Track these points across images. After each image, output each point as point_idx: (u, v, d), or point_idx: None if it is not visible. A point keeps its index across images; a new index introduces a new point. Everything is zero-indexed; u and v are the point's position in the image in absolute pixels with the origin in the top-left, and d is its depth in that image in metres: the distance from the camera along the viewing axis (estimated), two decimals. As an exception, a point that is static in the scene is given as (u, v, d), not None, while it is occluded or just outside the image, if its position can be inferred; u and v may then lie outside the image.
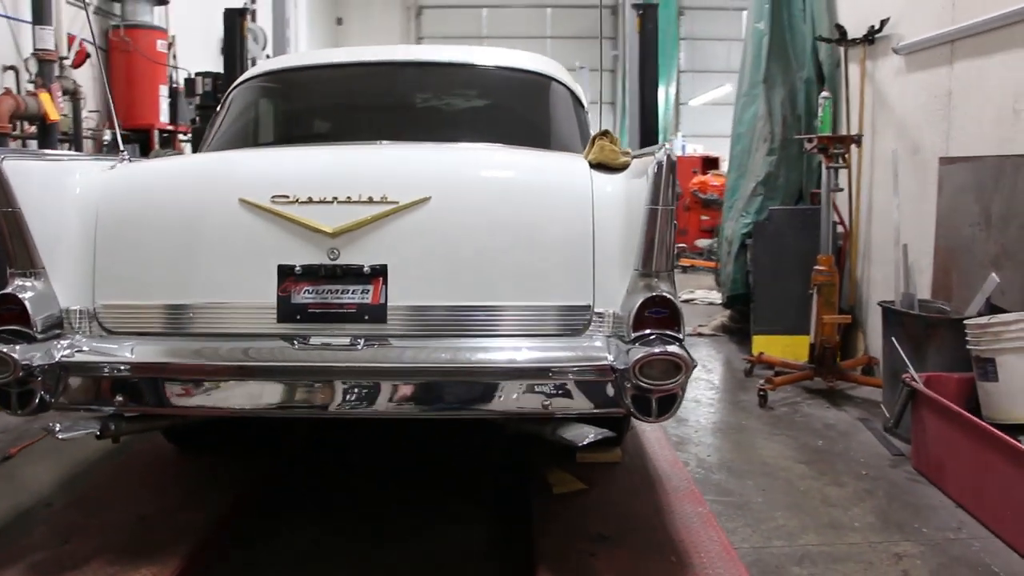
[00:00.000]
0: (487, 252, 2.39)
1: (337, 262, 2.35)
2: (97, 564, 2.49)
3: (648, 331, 2.25)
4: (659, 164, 2.20)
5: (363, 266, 2.34)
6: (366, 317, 2.35)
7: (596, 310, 2.39)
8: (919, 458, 3.52)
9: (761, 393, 4.54)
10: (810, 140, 4.67)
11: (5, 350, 2.19)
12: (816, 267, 4.63)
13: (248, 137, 3.38)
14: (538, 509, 2.90)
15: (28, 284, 2.34)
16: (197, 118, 5.25)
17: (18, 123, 4.95)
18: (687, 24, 15.14)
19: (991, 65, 3.84)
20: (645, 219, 2.26)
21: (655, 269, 2.29)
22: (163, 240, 2.42)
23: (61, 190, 2.45)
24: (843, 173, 4.97)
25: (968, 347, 3.39)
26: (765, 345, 5.20)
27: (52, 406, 2.33)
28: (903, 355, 3.70)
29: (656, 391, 2.21)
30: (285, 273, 2.35)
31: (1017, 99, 3.64)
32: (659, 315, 2.26)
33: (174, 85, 7.10)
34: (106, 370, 2.30)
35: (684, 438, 4.03)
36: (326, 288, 2.35)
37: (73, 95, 5.53)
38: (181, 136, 7.31)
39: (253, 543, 2.89)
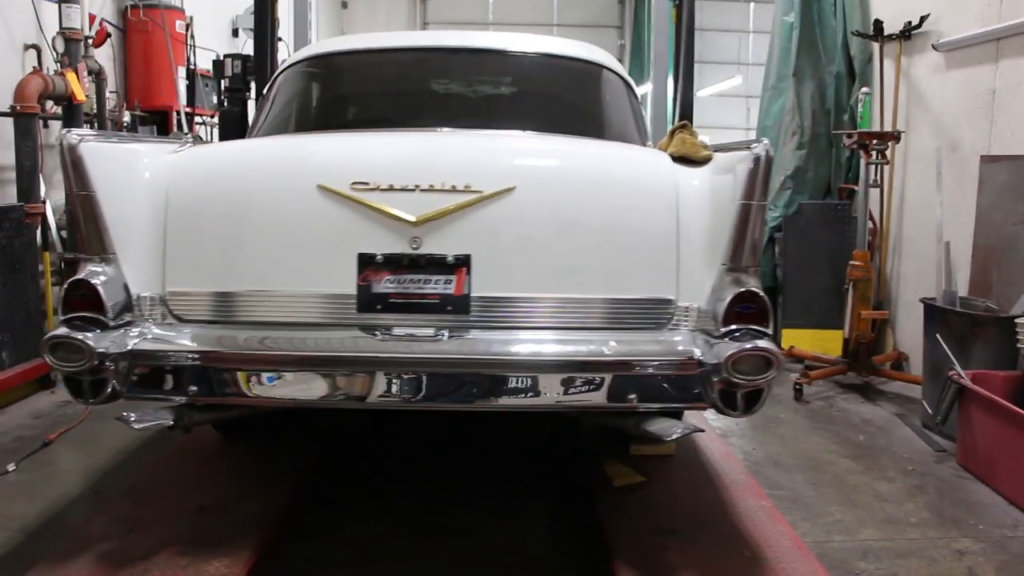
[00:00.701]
0: (570, 244, 2.36)
1: (419, 251, 2.31)
2: (167, 555, 2.45)
3: (737, 326, 2.23)
4: (756, 159, 2.18)
5: (447, 256, 2.31)
6: (449, 308, 2.31)
7: (679, 304, 2.37)
8: (966, 455, 3.54)
9: (797, 387, 4.55)
10: (849, 136, 4.66)
11: (80, 337, 2.14)
12: (852, 262, 4.64)
13: (305, 121, 3.32)
14: (603, 503, 2.88)
15: (100, 270, 2.27)
16: (226, 100, 5.17)
17: (43, 103, 4.85)
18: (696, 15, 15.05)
19: (1040, 64, 3.85)
20: (737, 214, 2.24)
21: (744, 264, 2.28)
22: (237, 226, 2.37)
23: (131, 173, 2.39)
24: (876, 169, 4.96)
25: (1020, 346, 3.40)
26: (795, 339, 5.21)
27: (122, 395, 2.28)
28: (948, 352, 3.70)
29: (746, 386, 2.20)
30: (366, 262, 2.31)
31: (1068, 98, 3.64)
32: (748, 310, 2.24)
33: (191, 67, 7.03)
34: (183, 359, 2.25)
35: (726, 431, 4.03)
36: (408, 278, 2.31)
37: (97, 75, 5.43)
38: (197, 119, 7.24)
39: (317, 535, 2.86)
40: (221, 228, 2.37)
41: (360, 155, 2.48)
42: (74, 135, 2.21)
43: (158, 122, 6.60)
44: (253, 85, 5.16)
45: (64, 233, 4.74)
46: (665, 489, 3.03)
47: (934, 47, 4.67)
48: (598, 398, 2.26)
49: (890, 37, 5.08)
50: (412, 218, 2.30)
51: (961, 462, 3.58)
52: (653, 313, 2.37)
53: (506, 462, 3.58)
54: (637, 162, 2.56)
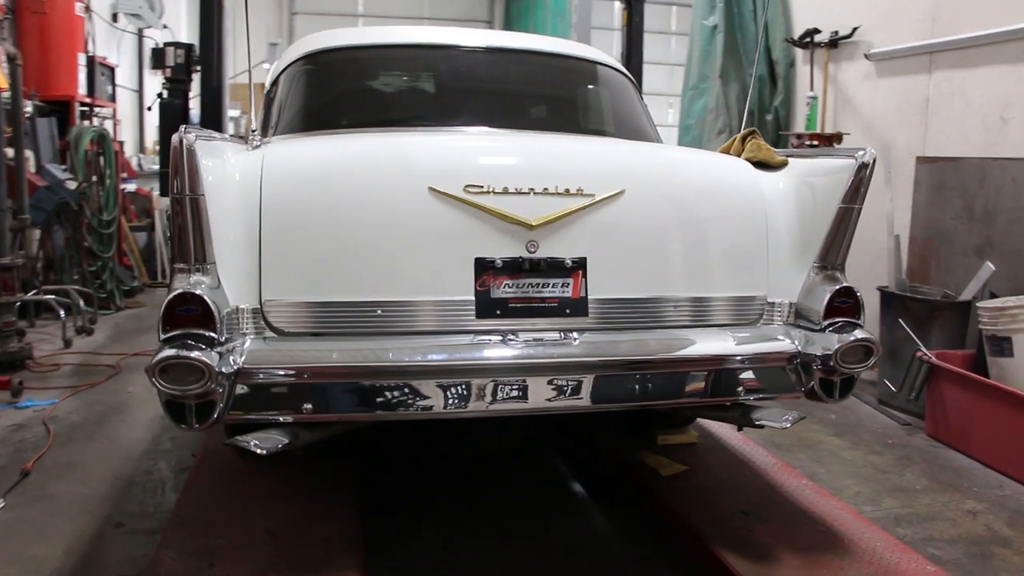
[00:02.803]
0: (675, 245, 2.45)
1: (536, 255, 2.31)
2: (268, 587, 2.30)
3: (837, 319, 2.40)
4: (863, 167, 2.35)
5: (564, 259, 2.32)
6: (567, 311, 2.33)
7: (769, 300, 2.52)
8: (936, 426, 3.95)
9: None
10: (799, 137, 5.02)
11: (201, 357, 1.97)
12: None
13: (336, 118, 3.16)
14: (662, 492, 2.99)
15: (204, 280, 2.10)
16: (166, 92, 4.78)
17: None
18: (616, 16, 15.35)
19: (975, 77, 4.33)
20: (836, 216, 2.41)
21: (838, 262, 2.46)
22: (341, 231, 2.25)
23: (225, 174, 2.21)
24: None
25: (981, 327, 3.84)
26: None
27: (224, 418, 2.11)
28: (912, 335, 4.11)
29: (846, 375, 2.37)
30: (484, 266, 2.28)
31: (1005, 108, 4.14)
32: (845, 304, 2.42)
33: (91, 54, 6.42)
34: (300, 376, 2.12)
35: (714, 418, 4.25)
36: (527, 282, 2.31)
37: (12, 61, 4.86)
38: (100, 110, 6.63)
39: (390, 550, 2.78)
40: (323, 234, 2.24)
41: (469, 157, 2.44)
42: (191, 133, 2.03)
43: (59, 114, 6.00)
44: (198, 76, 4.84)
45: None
46: (711, 475, 3.18)
47: (867, 56, 5.13)
48: (714, 391, 2.37)
49: (818, 45, 5.51)
50: (533, 221, 2.29)
51: (931, 433, 3.99)
52: (745, 309, 2.51)
53: (536, 463, 3.61)
54: (728, 167, 2.67)
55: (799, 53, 5.95)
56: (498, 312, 2.28)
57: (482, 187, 2.28)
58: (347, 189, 2.29)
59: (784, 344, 2.40)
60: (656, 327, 2.41)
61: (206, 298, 2.04)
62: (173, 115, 4.83)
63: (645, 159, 2.67)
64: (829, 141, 5.02)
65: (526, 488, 3.34)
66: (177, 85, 4.73)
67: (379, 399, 2.15)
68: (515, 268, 2.29)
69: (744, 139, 2.78)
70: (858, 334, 2.37)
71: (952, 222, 4.46)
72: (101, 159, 6.25)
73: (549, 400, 2.22)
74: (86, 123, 6.28)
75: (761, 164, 2.67)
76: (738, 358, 2.36)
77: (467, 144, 2.62)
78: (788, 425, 2.41)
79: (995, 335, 3.77)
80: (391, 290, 2.24)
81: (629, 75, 3.59)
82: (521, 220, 2.28)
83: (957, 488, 3.41)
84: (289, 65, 3.26)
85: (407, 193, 2.28)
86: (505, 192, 2.29)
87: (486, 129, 2.90)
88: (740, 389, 2.40)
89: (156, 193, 7.84)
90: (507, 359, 2.18)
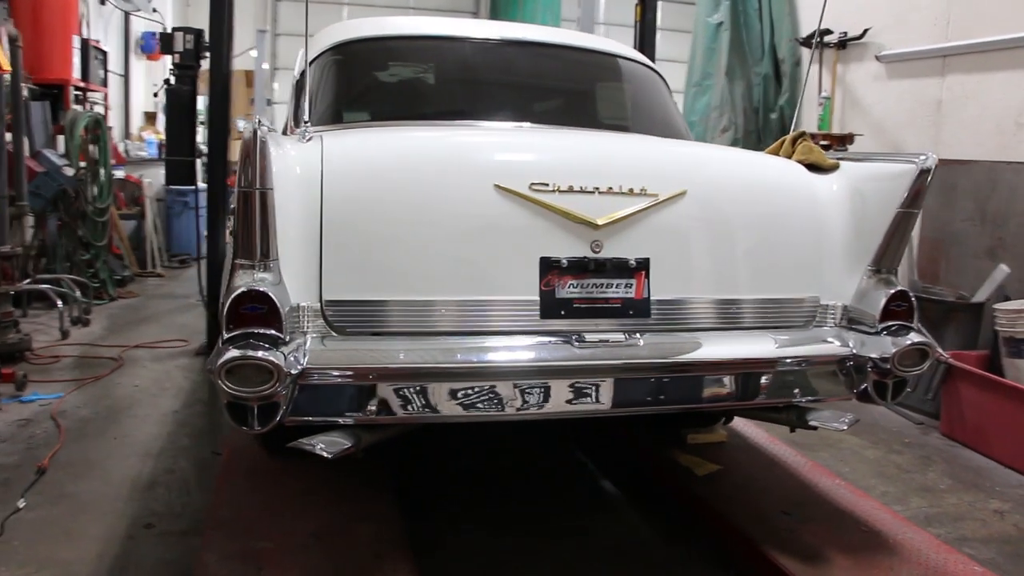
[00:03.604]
0: (732, 246, 2.44)
1: (600, 255, 2.28)
2: (320, 590, 2.26)
3: (893, 323, 2.41)
4: (924, 172, 2.36)
5: (628, 259, 2.30)
6: (631, 312, 2.31)
7: (823, 302, 2.52)
8: (951, 426, 4.00)
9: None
10: (813, 137, 5.02)
11: (271, 358, 1.91)
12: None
13: (379, 109, 3.09)
14: (700, 492, 2.99)
15: (267, 278, 2.03)
16: (173, 78, 4.65)
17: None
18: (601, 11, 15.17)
19: (990, 81, 4.39)
20: (895, 221, 2.42)
21: (893, 266, 2.47)
22: (403, 228, 2.19)
23: (286, 168, 2.14)
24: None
25: (996, 328, 3.90)
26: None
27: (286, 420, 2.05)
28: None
29: (901, 377, 2.39)
30: (549, 266, 2.24)
31: (1020, 114, 4.20)
32: (900, 308, 2.43)
33: (85, 37, 6.23)
34: (368, 376, 2.06)
35: (732, 416, 4.27)
36: (591, 282, 2.28)
37: (13, 43, 4.69)
38: (92, 95, 6.44)
39: (430, 551, 2.73)
40: (385, 230, 2.18)
41: (534, 154, 2.40)
42: (263, 125, 1.96)
43: (52, 98, 5.82)
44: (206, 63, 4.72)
45: None
46: (744, 474, 3.19)
47: (878, 58, 5.17)
48: (772, 393, 2.37)
49: (827, 45, 5.54)
50: (599, 221, 2.26)
51: (946, 432, 4.04)
52: (801, 311, 2.51)
53: (564, 462, 3.59)
54: (783, 169, 2.66)
55: (805, 53, 5.98)
56: (562, 312, 2.25)
57: (547, 185, 2.24)
58: (411, 185, 2.23)
59: (839, 347, 2.41)
60: (714, 328, 2.40)
61: (272, 296, 1.98)
62: (181, 102, 4.72)
63: (705, 159, 2.66)
64: (842, 141, 5.05)
65: (558, 487, 3.32)
66: (186, 71, 4.61)
67: (449, 401, 2.11)
68: (580, 268, 2.26)
69: (794, 141, 2.78)
70: (914, 338, 2.38)
71: (963, 224, 4.52)
72: (92, 146, 6.08)
73: (619, 401, 2.21)
74: (79, 108, 6.10)
75: (813, 166, 2.67)
76: (796, 360, 2.37)
77: (531, 141, 2.58)
78: (846, 427, 2.42)
79: (1012, 337, 3.83)
80: (454, 289, 2.20)
81: (661, 74, 3.57)
82: (587, 219, 2.25)
83: (980, 488, 3.46)
84: (322, 53, 3.18)
85: (472, 190, 2.23)
86: (570, 191, 2.26)
87: (542, 126, 2.86)
88: (796, 391, 2.40)
89: (147, 180, 7.67)
90: (580, 360, 2.16)
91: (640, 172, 2.36)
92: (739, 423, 3.80)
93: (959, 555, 2.60)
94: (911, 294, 2.46)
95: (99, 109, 6.69)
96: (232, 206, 2.17)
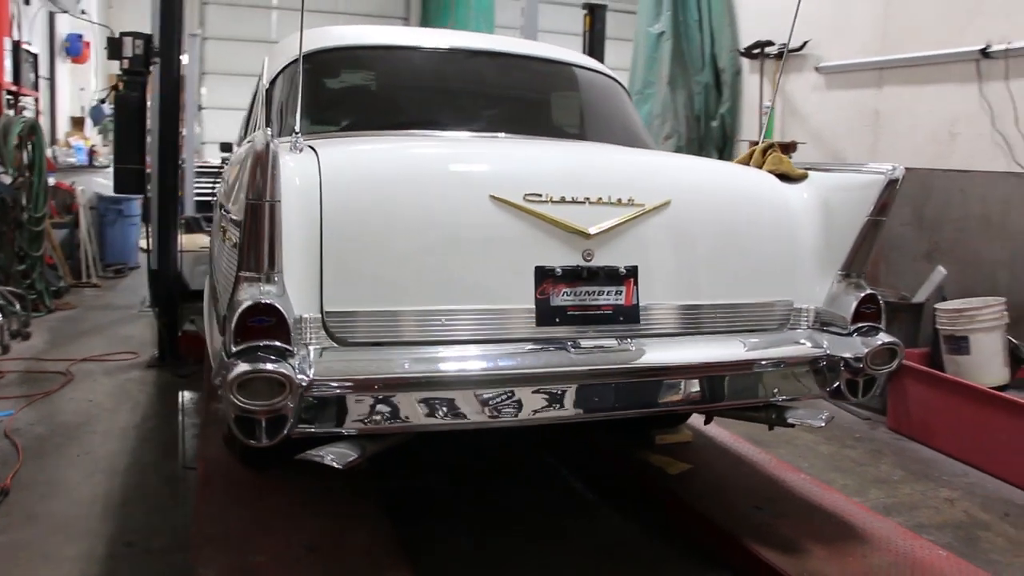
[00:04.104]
0: (713, 253, 2.54)
1: (592, 264, 2.35)
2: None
3: (863, 324, 2.56)
4: (891, 182, 2.51)
5: (619, 267, 2.37)
6: (621, 318, 2.38)
7: (796, 305, 2.65)
8: (897, 421, 4.23)
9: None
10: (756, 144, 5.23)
11: (284, 371, 1.91)
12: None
13: (348, 119, 3.08)
14: (676, 491, 3.09)
15: (271, 290, 2.02)
16: (122, 84, 4.51)
17: None
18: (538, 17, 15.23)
19: (925, 93, 4.65)
20: (864, 228, 2.56)
21: (861, 271, 2.61)
22: (403, 239, 2.21)
23: (288, 179, 2.12)
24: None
25: (939, 327, 4.14)
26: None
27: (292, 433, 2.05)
28: (872, 334, 4.37)
29: (872, 375, 2.53)
30: (544, 275, 2.30)
31: (953, 124, 4.47)
32: (870, 310, 2.58)
33: (15, 39, 5.96)
34: (374, 387, 2.08)
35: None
36: (584, 290, 2.34)
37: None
38: (25, 99, 6.16)
39: (419, 555, 2.74)
40: (386, 241, 2.20)
41: (527, 165, 2.44)
42: (272, 137, 1.95)
43: (-17, 102, 5.57)
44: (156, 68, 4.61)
45: None
46: (715, 472, 3.31)
47: (817, 69, 5.41)
48: (754, 393, 2.49)
49: (768, 56, 5.77)
50: (591, 230, 2.33)
51: (892, 427, 4.26)
52: (776, 315, 2.63)
53: (536, 467, 3.64)
54: (757, 179, 2.77)
55: (746, 63, 6.20)
56: (557, 320, 2.31)
57: (540, 196, 2.30)
58: (410, 196, 2.24)
59: (814, 348, 2.54)
60: (698, 332, 2.50)
61: (280, 308, 1.98)
62: (130, 109, 4.59)
63: (687, 170, 2.76)
64: (785, 149, 5.25)
65: (535, 490, 3.38)
66: (135, 77, 4.48)
67: (457, 409, 2.14)
68: (574, 276, 2.32)
69: (764, 152, 2.90)
70: (884, 338, 2.53)
71: (901, 229, 4.77)
72: (25, 153, 5.85)
73: (616, 404, 2.28)
74: (11, 113, 5.85)
75: (783, 176, 2.80)
76: (778, 361, 2.48)
77: (524, 153, 2.63)
78: (823, 424, 2.55)
79: (953, 335, 4.07)
80: (453, 298, 2.23)
81: (624, 85, 3.68)
82: (579, 229, 2.31)
83: (929, 478, 3.67)
84: (291, 63, 3.15)
85: (469, 201, 2.27)
86: (562, 201, 2.32)
87: (518, 137, 2.92)
88: (776, 390, 2.52)
89: (80, 188, 7.39)
90: (584, 366, 2.22)
91: (627, 183, 2.43)
92: (700, 422, 3.93)
93: (924, 540, 2.77)
94: (880, 297, 2.61)
95: (29, 114, 6.41)
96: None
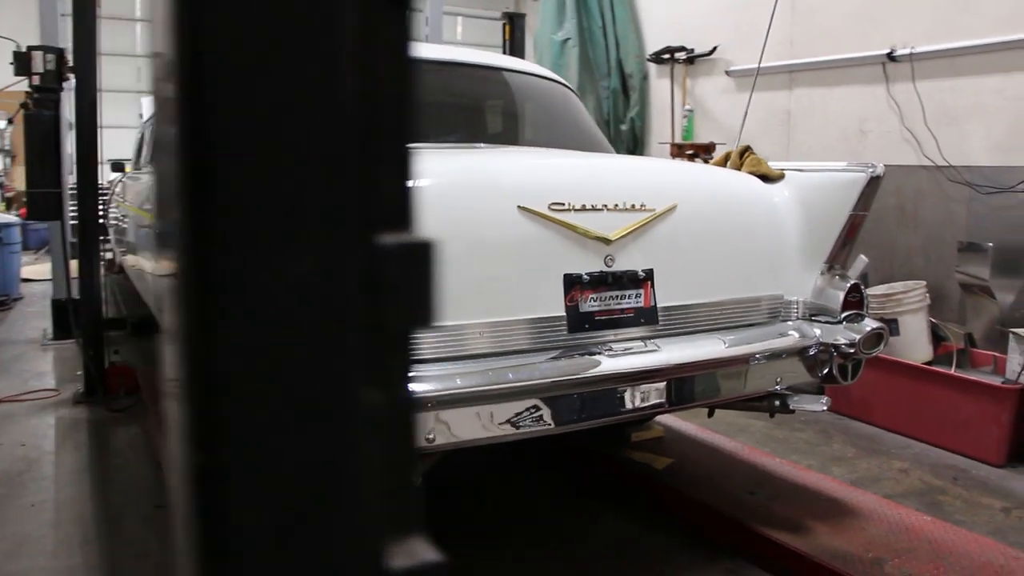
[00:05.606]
0: (716, 253, 2.67)
1: (614, 268, 2.41)
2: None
3: (851, 312, 2.75)
4: (873, 179, 2.70)
5: (638, 271, 2.45)
6: (642, 320, 2.46)
7: (786, 298, 2.81)
8: (837, 402, 4.50)
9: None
10: (680, 147, 5.47)
11: None
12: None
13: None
14: (668, 485, 3.20)
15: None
16: (31, 103, 4.15)
17: None
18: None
19: (833, 94, 5.01)
20: (847, 222, 2.75)
21: (846, 263, 2.81)
22: (439, 252, 2.20)
23: None
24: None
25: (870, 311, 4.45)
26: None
27: None
28: (806, 321, 4.67)
29: (861, 359, 2.73)
30: (572, 282, 2.34)
31: (862, 122, 4.83)
32: (855, 299, 2.77)
33: None
34: (427, 405, 2.04)
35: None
36: (608, 295, 2.40)
37: None
38: None
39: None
40: None
41: (549, 175, 2.47)
42: None
43: None
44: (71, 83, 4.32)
45: None
46: (698, 463, 3.44)
47: (727, 72, 5.70)
48: (762, 385, 2.63)
49: (677, 61, 6.03)
50: (612, 236, 2.39)
51: (833, 408, 4.54)
52: (770, 308, 2.78)
53: (521, 478, 3.66)
54: (744, 181, 2.91)
55: (653, 67, 6.45)
56: (586, 325, 2.36)
57: (563, 204, 2.34)
58: (442, 209, 2.23)
59: (808, 337, 2.70)
60: (709, 329, 2.61)
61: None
62: (42, 129, 4.26)
63: (687, 175, 2.88)
64: (706, 150, 5.52)
65: (531, 499, 3.39)
66: (47, 95, 4.16)
67: (508, 420, 2.15)
68: (599, 282, 2.37)
69: (741, 155, 3.05)
70: (871, 323, 2.74)
71: (820, 221, 5.11)
72: None
73: (645, 404, 2.35)
74: None
75: (763, 177, 2.96)
76: (784, 351, 2.63)
77: (546, 163, 2.66)
78: (824, 408, 2.72)
79: (883, 317, 4.39)
80: (486, 310, 2.23)
81: (576, 92, 3.77)
82: (601, 235, 2.37)
83: (880, 452, 3.95)
84: None
85: (498, 212, 2.28)
86: (584, 209, 2.37)
87: (511, 147, 2.94)
88: (779, 379, 2.67)
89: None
90: (628, 369, 2.28)
91: (637, 188, 2.51)
92: (666, 418, 4.07)
93: (906, 509, 3.00)
94: (863, 287, 2.80)
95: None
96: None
